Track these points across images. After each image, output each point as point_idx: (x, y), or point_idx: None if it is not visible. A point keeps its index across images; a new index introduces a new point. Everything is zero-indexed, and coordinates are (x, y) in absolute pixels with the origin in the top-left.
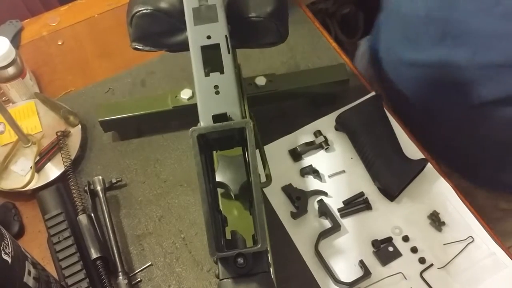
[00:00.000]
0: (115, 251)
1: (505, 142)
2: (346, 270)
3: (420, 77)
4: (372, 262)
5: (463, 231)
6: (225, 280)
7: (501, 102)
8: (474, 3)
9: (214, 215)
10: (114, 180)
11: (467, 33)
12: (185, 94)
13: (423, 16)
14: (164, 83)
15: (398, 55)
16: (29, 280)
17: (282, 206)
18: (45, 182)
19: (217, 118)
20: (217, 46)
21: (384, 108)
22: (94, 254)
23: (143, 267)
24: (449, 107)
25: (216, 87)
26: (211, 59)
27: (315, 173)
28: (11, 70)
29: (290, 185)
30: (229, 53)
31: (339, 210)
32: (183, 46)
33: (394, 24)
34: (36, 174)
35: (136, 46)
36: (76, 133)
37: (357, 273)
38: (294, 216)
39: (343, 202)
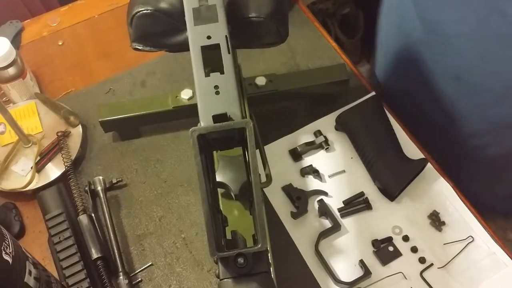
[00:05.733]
0: (115, 251)
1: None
2: (346, 270)
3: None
4: (372, 262)
5: (463, 231)
6: (225, 280)
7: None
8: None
9: (215, 215)
10: (114, 180)
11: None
12: (186, 94)
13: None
14: (165, 83)
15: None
16: (29, 280)
17: (282, 206)
18: (46, 182)
19: (217, 118)
20: (217, 46)
21: (384, 108)
22: (94, 254)
23: (144, 267)
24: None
25: (216, 87)
26: (211, 59)
27: (315, 173)
28: (11, 71)
29: (290, 185)
30: (229, 53)
31: (339, 210)
32: (183, 46)
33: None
34: (36, 175)
35: (136, 47)
36: (76, 134)
37: (357, 273)
38: (294, 216)
39: (343, 202)
